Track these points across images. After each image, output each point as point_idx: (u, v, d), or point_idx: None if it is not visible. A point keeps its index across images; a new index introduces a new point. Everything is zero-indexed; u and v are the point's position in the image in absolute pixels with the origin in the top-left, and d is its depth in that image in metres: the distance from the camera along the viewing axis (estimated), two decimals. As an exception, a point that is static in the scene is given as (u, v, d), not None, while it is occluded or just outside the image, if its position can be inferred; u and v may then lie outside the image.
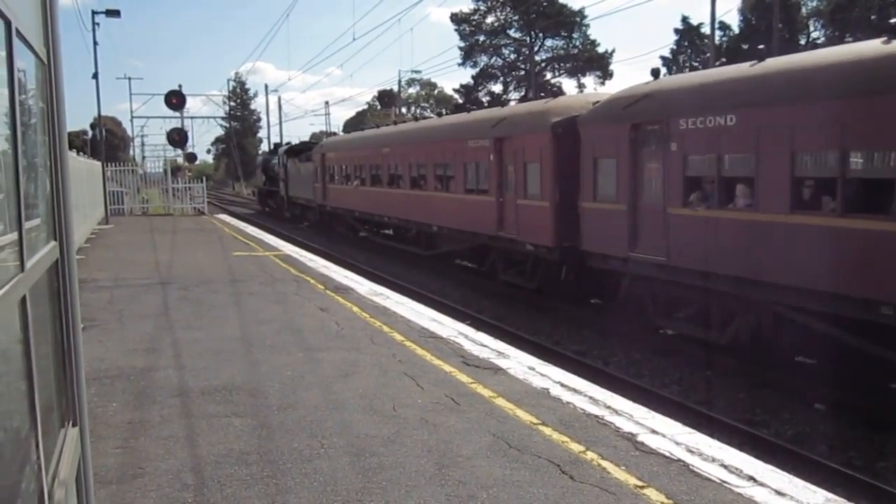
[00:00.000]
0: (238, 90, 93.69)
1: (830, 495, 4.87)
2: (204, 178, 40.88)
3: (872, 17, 39.31)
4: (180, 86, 35.17)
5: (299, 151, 37.92)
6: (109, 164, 34.57)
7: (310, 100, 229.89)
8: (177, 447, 5.75)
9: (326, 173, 31.75)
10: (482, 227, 17.67)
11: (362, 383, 7.35)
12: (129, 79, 48.77)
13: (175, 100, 35.07)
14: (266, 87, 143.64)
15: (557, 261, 14.99)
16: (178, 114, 37.44)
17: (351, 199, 28.51)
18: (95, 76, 30.74)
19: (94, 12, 31.10)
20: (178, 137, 36.69)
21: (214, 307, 11.61)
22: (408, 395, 6.96)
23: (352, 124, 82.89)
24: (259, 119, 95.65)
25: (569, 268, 14.88)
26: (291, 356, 8.45)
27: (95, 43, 30.82)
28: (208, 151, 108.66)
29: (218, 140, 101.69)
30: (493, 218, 17.04)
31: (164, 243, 21.75)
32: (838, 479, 7.34)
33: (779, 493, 4.84)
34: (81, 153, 28.53)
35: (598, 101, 14.40)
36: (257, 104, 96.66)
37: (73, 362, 2.88)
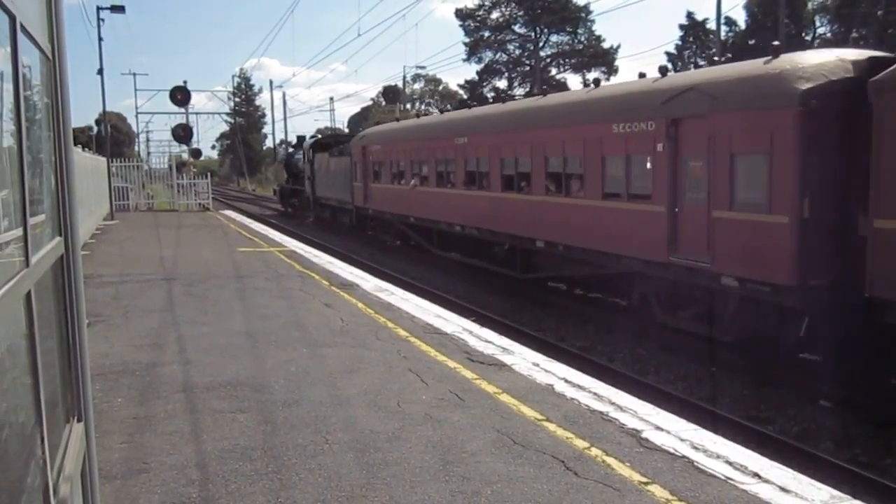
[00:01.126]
0: (243, 86, 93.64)
1: (836, 492, 4.86)
2: (209, 174, 40.87)
3: (879, 12, 39.13)
4: (185, 82, 35.13)
5: (329, 145, 33.26)
6: (114, 160, 34.68)
7: (314, 96, 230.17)
8: (182, 442, 5.77)
9: (370, 170, 26.25)
10: (635, 247, 12.39)
11: (367, 379, 7.35)
12: (135, 75, 49.04)
13: (180, 96, 35.13)
14: (271, 83, 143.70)
15: (797, 308, 9.76)
16: (183, 110, 37.46)
17: (405, 202, 23.18)
18: (100, 72, 30.79)
19: (98, 8, 31.09)
20: (183, 133, 36.75)
21: (219, 303, 11.63)
22: (412, 391, 6.96)
23: (356, 120, 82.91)
24: (264, 115, 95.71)
25: (814, 319, 9.63)
26: (296, 352, 8.46)
27: (100, 39, 30.89)
28: (213, 147, 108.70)
29: (223, 136, 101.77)
30: (661, 236, 11.60)
31: (169, 239, 21.79)
32: (844, 475, 7.33)
33: (784, 489, 4.83)
34: (87, 149, 28.59)
35: (874, 57, 9.74)
36: (262, 100, 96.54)
37: (78, 358, 2.88)
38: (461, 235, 19.87)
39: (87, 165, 23.21)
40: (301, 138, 41.96)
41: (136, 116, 66.35)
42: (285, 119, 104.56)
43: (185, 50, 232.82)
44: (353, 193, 28.09)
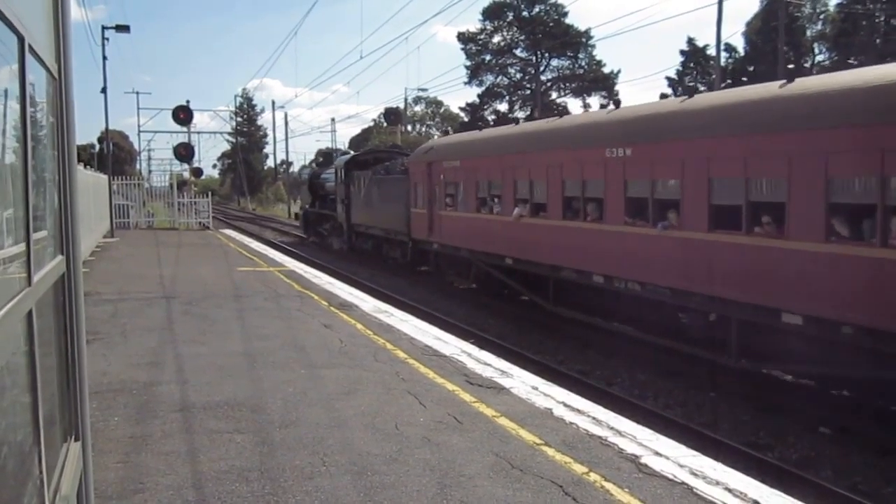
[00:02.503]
0: (245, 106, 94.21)
1: (836, 521, 4.83)
2: (210, 193, 40.93)
3: (877, 40, 39.49)
4: (188, 101, 35.42)
5: (369, 162, 27.77)
6: (116, 178, 34.78)
7: (316, 116, 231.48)
8: (178, 462, 5.73)
9: (440, 193, 20.47)
10: None
11: (365, 401, 7.32)
12: (137, 93, 48.94)
13: (182, 115, 35.38)
14: (273, 103, 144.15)
15: None
16: (185, 128, 37.67)
17: (499, 238, 17.29)
18: (104, 90, 30.93)
19: (103, 27, 31.29)
20: (184, 152, 36.92)
21: (218, 322, 11.60)
22: (410, 414, 6.93)
23: (358, 141, 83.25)
24: (265, 135, 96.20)
25: None
26: (294, 373, 8.43)
27: (105, 58, 31.02)
28: (214, 166, 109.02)
29: (224, 155, 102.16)
30: None
31: (169, 257, 21.78)
32: (844, 504, 7.28)
33: (784, 517, 4.80)
34: (88, 166, 28.68)
35: None
36: (264, 120, 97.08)
37: (77, 377, 2.88)
38: (605, 290, 13.78)
39: (89, 183, 23.29)
40: (328, 154, 36.53)
41: (139, 135, 66.72)
42: (287, 139, 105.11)
43: (189, 69, 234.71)
44: (411, 222, 22.40)
